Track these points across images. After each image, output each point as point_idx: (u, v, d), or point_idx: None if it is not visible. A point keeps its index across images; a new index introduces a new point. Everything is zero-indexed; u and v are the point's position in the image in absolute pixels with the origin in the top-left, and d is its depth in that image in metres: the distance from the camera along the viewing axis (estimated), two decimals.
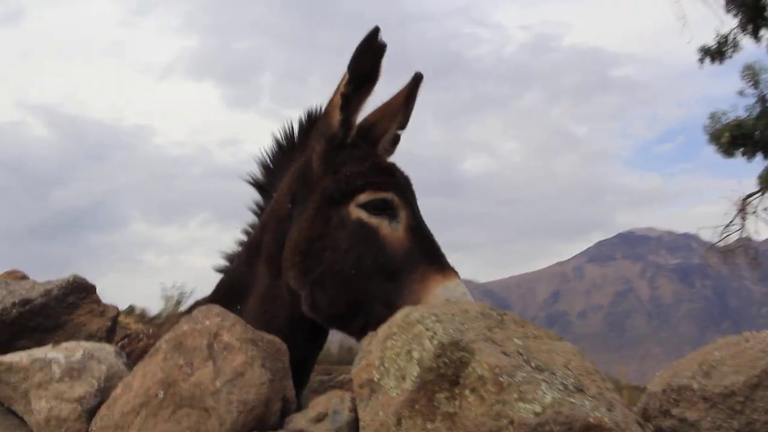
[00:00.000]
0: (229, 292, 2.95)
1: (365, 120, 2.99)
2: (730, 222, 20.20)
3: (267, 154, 3.10)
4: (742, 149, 18.78)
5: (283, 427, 2.14)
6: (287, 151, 3.06)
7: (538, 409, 1.84)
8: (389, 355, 2.03)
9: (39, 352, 2.22)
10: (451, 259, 2.67)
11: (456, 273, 2.56)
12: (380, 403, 2.02)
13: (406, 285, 2.51)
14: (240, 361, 2.12)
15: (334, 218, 2.67)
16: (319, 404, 2.17)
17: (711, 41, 20.25)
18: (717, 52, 20.40)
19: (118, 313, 2.72)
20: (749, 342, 2.08)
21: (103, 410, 2.14)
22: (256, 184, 3.15)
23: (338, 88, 2.72)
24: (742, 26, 20.05)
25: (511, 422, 1.85)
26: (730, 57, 20.23)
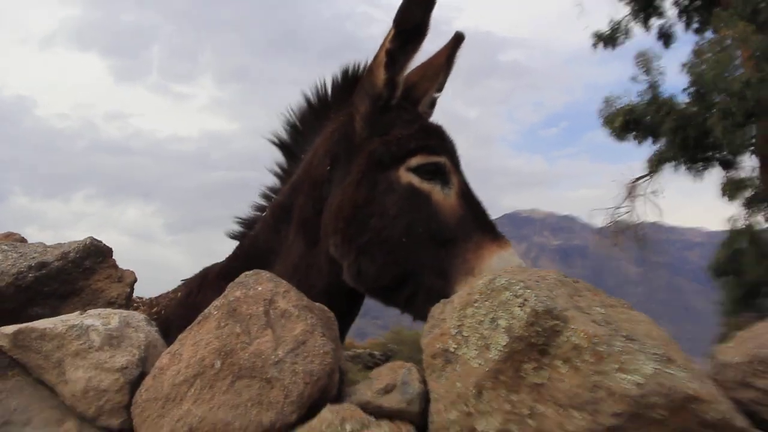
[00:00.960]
0: (251, 260, 2.78)
1: (406, 79, 2.83)
2: (620, 205, 21.57)
3: (294, 113, 2.97)
4: (633, 133, 20.09)
5: (345, 399, 2.06)
6: (319, 111, 2.93)
7: (640, 380, 1.79)
8: (469, 324, 1.95)
9: (74, 319, 2.06)
10: None
11: (509, 242, 2.50)
12: (458, 374, 1.95)
13: (459, 254, 2.44)
14: (300, 329, 2.01)
15: (382, 183, 2.57)
16: (382, 375, 2.08)
17: (604, 27, 21.64)
18: (610, 38, 21.77)
19: (135, 279, 2.58)
20: None
21: (148, 381, 2.01)
22: (282, 145, 3.02)
23: (383, 43, 2.61)
24: (634, 14, 21.52)
25: (611, 394, 1.80)
26: (622, 43, 21.68)
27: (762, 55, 17.12)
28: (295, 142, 2.99)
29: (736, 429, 1.88)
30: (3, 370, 2.02)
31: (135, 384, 2.02)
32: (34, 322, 2.04)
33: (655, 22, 21.86)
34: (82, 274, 2.42)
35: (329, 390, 2.00)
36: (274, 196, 3.04)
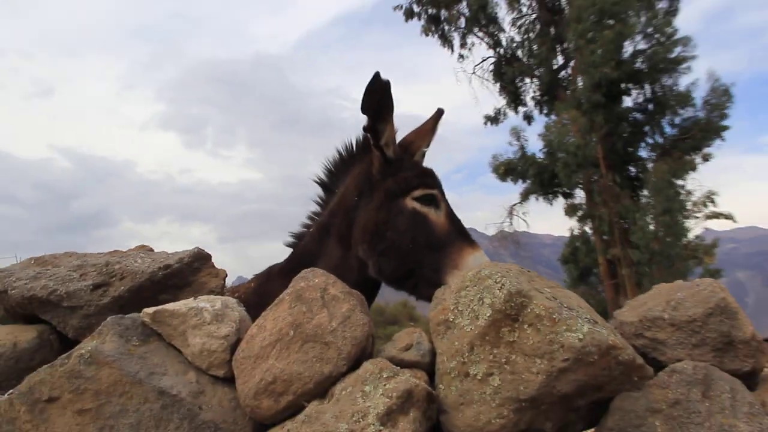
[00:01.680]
0: (302, 261, 2.94)
1: (405, 138, 3.11)
2: (503, 220, 25.86)
3: (330, 161, 3.21)
4: (511, 177, 24.45)
5: (377, 356, 2.30)
6: (347, 160, 3.15)
7: (581, 336, 1.97)
8: (463, 302, 2.14)
9: (191, 303, 2.20)
10: None
11: (478, 247, 2.71)
12: (455, 336, 2.14)
13: (447, 255, 2.66)
14: (346, 307, 2.18)
15: (395, 208, 2.79)
16: (401, 338, 2.25)
17: (491, 112, 26.33)
18: (494, 119, 26.50)
19: (226, 275, 2.85)
20: (700, 286, 2.23)
21: (243, 345, 2.14)
22: (321, 183, 3.25)
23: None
24: (509, 104, 26.23)
25: (562, 346, 1.99)
26: (502, 122, 26.29)
27: (584, 130, 20.98)
28: (330, 181, 3.21)
29: (637, 365, 2.01)
30: (146, 337, 2.20)
31: (233, 347, 2.15)
32: (165, 305, 2.22)
33: (521, 109, 26.36)
34: (192, 272, 2.61)
35: (367, 349, 2.11)
36: (316, 218, 3.24)
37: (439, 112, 3.25)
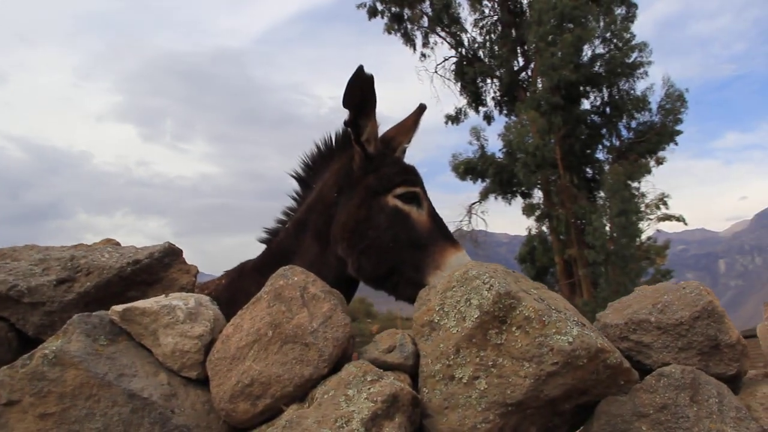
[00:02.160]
0: (278, 257, 2.88)
1: (386, 133, 3.02)
2: (462, 219, 26.67)
3: (308, 156, 3.11)
4: (470, 176, 25.08)
5: (360, 357, 2.22)
6: (325, 155, 3.06)
7: (570, 339, 1.93)
8: (449, 303, 2.07)
9: (164, 300, 2.08)
10: None
11: (461, 246, 2.66)
12: (441, 338, 2.06)
13: (429, 254, 2.59)
14: (327, 307, 2.09)
15: (376, 205, 2.71)
16: (383, 339, 2.17)
17: (452, 111, 27.06)
18: (455, 118, 27.06)
19: (198, 271, 2.72)
20: (686, 289, 2.22)
21: (218, 345, 2.03)
22: (298, 178, 3.14)
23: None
24: (469, 104, 26.94)
25: (551, 350, 1.94)
26: (462, 121, 26.97)
27: (543, 131, 21.64)
28: (308, 176, 3.11)
29: (624, 369, 1.99)
30: (115, 336, 2.07)
31: (207, 347, 2.04)
32: (135, 302, 2.11)
33: (482, 109, 27.12)
34: (162, 267, 2.49)
35: (348, 351, 2.03)
36: (291, 213, 3.14)
37: (421, 108, 3.19)
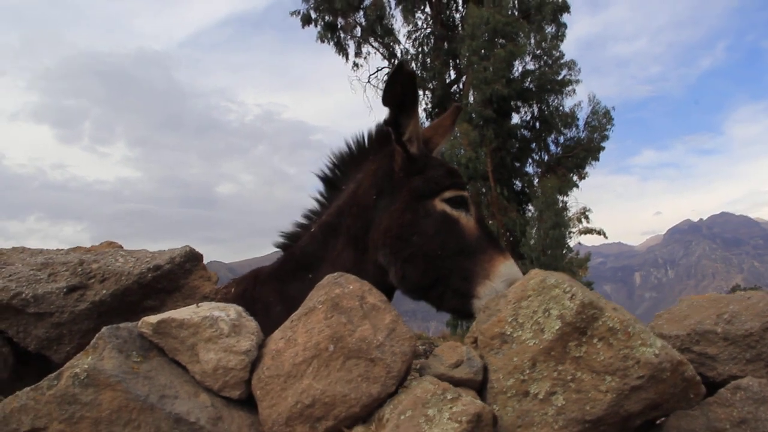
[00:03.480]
0: (300, 263, 2.71)
1: (422, 134, 2.80)
2: None
3: (336, 156, 2.90)
4: None
5: (424, 373, 2.03)
6: (357, 156, 2.87)
7: (657, 351, 1.83)
8: (524, 313, 1.93)
9: (201, 311, 1.84)
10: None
11: (510, 255, 2.51)
12: (514, 351, 1.93)
13: (478, 263, 2.43)
14: (389, 318, 1.90)
15: (422, 210, 2.54)
16: (446, 353, 2.05)
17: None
18: None
19: (218, 279, 2.46)
20: (752, 299, 2.18)
21: (267, 361, 1.83)
22: (325, 179, 2.93)
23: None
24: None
25: (637, 362, 1.83)
26: None
27: (475, 144, 21.62)
28: (336, 177, 2.90)
29: (696, 382, 1.94)
30: (146, 352, 1.84)
31: (253, 364, 1.90)
32: (171, 312, 1.87)
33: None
34: (183, 274, 2.23)
35: (411, 366, 1.95)
36: (314, 217, 2.92)
37: (457, 109, 3.05)
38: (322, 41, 27.36)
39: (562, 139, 25.67)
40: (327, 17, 26.96)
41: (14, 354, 2.11)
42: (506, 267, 2.42)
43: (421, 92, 27.50)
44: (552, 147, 25.93)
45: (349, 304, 1.90)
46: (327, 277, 2.03)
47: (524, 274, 2.12)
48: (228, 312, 1.94)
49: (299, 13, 26.32)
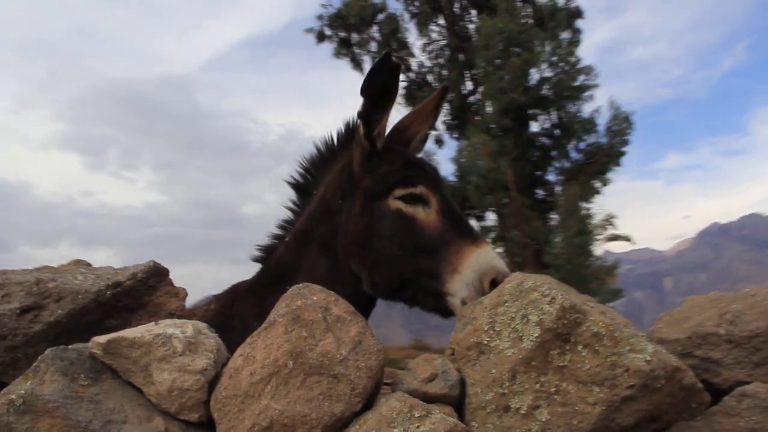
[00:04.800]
0: (276, 275, 2.56)
1: (401, 122, 2.71)
2: None
3: (306, 159, 2.76)
4: None
5: (395, 389, 1.88)
6: (327, 156, 2.73)
7: (648, 357, 1.66)
8: (501, 320, 1.76)
9: (157, 329, 1.73)
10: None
11: (484, 240, 2.33)
12: (492, 362, 1.75)
13: (444, 258, 2.26)
14: (355, 331, 1.76)
15: (377, 211, 2.40)
16: (421, 367, 1.88)
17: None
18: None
19: (187, 295, 2.34)
20: (757, 296, 1.98)
21: (225, 380, 1.68)
22: (296, 185, 2.79)
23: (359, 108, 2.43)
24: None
25: (627, 370, 1.65)
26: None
27: (494, 154, 20.02)
28: (307, 182, 2.76)
29: (697, 389, 1.77)
30: (97, 374, 1.70)
31: (211, 383, 1.77)
32: (122, 332, 1.76)
33: (432, 133, 24.96)
34: (147, 291, 2.12)
35: (380, 382, 1.76)
36: (289, 226, 2.78)
37: (444, 89, 2.83)
38: (338, 57, 27.52)
39: (582, 145, 25.37)
40: (341, 33, 27.10)
41: None
42: (477, 255, 2.21)
43: None
44: (573, 154, 25.64)
45: (311, 317, 1.76)
46: (292, 288, 1.89)
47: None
48: (185, 329, 1.80)
49: (313, 30, 26.50)
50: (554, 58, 23.80)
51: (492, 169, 22.08)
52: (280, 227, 2.79)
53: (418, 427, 1.57)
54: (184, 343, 1.75)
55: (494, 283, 2.04)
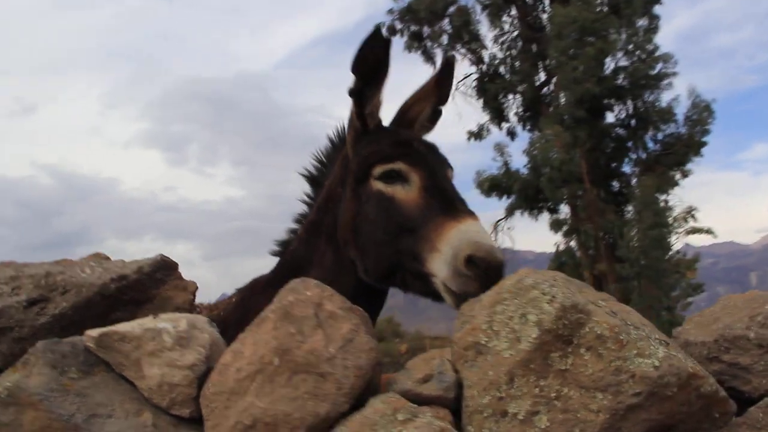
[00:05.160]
0: (293, 268, 2.47)
1: (404, 103, 2.62)
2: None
3: (320, 151, 2.72)
4: (495, 192, 24.33)
5: (388, 389, 1.80)
6: (338, 146, 2.66)
7: (656, 363, 1.51)
8: (499, 319, 1.66)
9: (148, 323, 1.73)
10: None
11: (470, 215, 2.12)
12: (489, 364, 1.66)
13: (424, 236, 2.11)
14: (347, 328, 1.70)
15: (363, 194, 2.31)
16: (418, 366, 1.79)
17: (474, 128, 26.34)
18: (477, 135, 26.25)
19: (197, 288, 2.33)
20: None
21: (214, 376, 1.65)
22: (309, 177, 2.75)
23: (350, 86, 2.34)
24: (492, 120, 26.11)
25: (632, 376, 1.52)
26: (485, 138, 26.23)
27: (568, 145, 20.75)
28: (320, 173, 2.72)
29: (720, 398, 1.61)
30: (89, 367, 1.70)
31: (202, 378, 1.67)
32: (116, 325, 1.75)
33: (505, 125, 26.27)
34: (154, 284, 2.13)
35: (373, 381, 1.66)
36: (303, 219, 2.75)
37: (445, 62, 2.68)
38: (409, 51, 27.39)
39: (660, 135, 24.26)
40: (412, 27, 26.99)
41: None
42: (457, 231, 2.02)
43: (511, 96, 26.87)
44: (650, 144, 24.55)
45: (302, 313, 1.70)
46: (290, 283, 1.84)
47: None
48: (177, 323, 1.78)
49: (384, 25, 26.47)
50: (630, 47, 22.89)
51: (565, 161, 21.51)
52: (296, 221, 2.76)
53: (400, 430, 1.48)
54: (174, 338, 1.72)
55: (470, 260, 1.90)
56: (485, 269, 1.89)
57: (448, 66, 2.67)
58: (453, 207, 2.17)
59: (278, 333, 1.67)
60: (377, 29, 2.20)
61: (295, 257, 2.59)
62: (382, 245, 2.24)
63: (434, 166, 2.34)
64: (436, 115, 2.67)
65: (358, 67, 2.25)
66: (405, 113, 2.59)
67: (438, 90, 2.63)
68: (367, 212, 2.29)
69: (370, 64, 2.25)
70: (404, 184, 2.26)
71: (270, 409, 1.58)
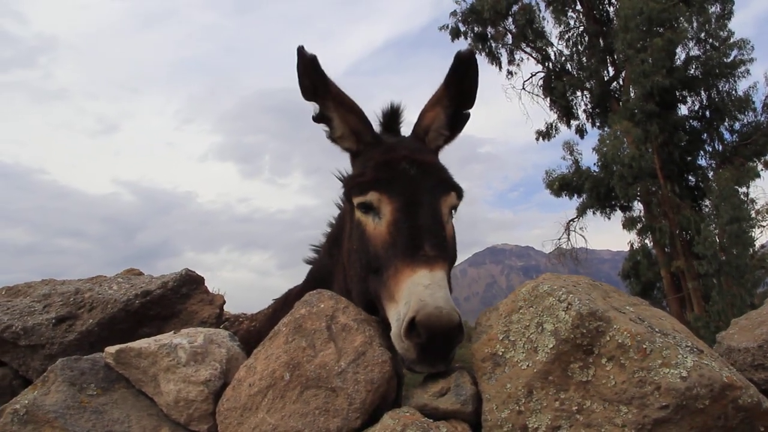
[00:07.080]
0: (319, 279, 2.42)
1: (421, 110, 2.39)
2: (561, 237, 24.88)
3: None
4: (565, 192, 23.70)
5: (404, 403, 1.74)
6: None
7: (683, 373, 1.41)
8: (516, 329, 1.59)
9: (164, 338, 1.74)
10: None
11: (427, 262, 1.76)
12: (507, 376, 1.58)
13: (384, 281, 1.83)
14: (360, 341, 1.64)
15: (354, 219, 2.13)
16: (434, 379, 1.75)
17: (542, 127, 25.44)
18: (546, 134, 25.48)
19: (224, 302, 2.32)
20: None
21: (228, 392, 1.64)
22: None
23: None
24: (560, 118, 25.45)
25: (658, 388, 1.42)
26: (554, 137, 25.47)
27: (639, 141, 20.08)
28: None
29: (763, 410, 1.48)
30: (110, 384, 1.72)
31: (218, 394, 1.66)
32: (133, 342, 1.77)
33: (573, 123, 25.53)
34: (179, 299, 2.14)
35: (388, 395, 1.60)
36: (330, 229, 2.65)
37: (457, 59, 2.31)
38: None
39: (737, 125, 23.14)
40: (476, 28, 26.73)
41: (24, 387, 2.09)
42: (412, 282, 1.72)
43: (578, 93, 26.13)
44: (726, 136, 23.43)
45: (314, 326, 1.66)
46: (305, 295, 1.81)
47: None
48: (194, 339, 1.77)
49: (447, 27, 26.33)
50: (702, 35, 21.91)
51: (636, 157, 20.75)
52: (330, 225, 2.69)
53: None
54: (188, 354, 1.71)
55: (412, 324, 1.60)
56: (428, 337, 1.58)
57: (462, 63, 2.33)
58: (414, 249, 1.85)
59: (289, 347, 1.63)
60: (300, 50, 2.09)
61: (321, 267, 2.56)
62: (360, 282, 2.05)
63: (414, 194, 2.05)
64: (458, 120, 2.44)
65: (303, 92, 2.16)
66: (419, 122, 2.39)
67: (448, 92, 2.34)
68: (353, 241, 2.14)
69: (310, 86, 2.15)
70: (374, 217, 2.05)
71: (281, 426, 1.55)
